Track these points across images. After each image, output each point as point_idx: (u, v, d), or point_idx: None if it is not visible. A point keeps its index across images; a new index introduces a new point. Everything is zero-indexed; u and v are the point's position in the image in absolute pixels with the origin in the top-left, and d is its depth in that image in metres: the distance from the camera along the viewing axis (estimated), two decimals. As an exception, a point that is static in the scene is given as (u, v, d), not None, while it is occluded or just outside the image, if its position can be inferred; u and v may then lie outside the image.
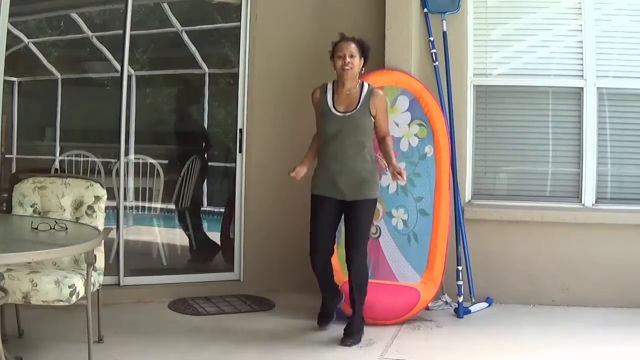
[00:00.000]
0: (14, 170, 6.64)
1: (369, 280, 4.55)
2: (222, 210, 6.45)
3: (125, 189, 5.68)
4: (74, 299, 3.76)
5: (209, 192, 7.40)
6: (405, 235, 5.10)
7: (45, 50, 7.53)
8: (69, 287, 3.73)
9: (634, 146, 5.46)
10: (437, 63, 5.34)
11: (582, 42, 5.41)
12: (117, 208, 5.50)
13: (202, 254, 6.54)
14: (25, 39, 7.20)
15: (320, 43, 5.26)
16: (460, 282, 5.16)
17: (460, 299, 5.09)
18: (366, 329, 4.53)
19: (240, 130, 5.65)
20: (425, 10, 5.36)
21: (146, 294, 5.32)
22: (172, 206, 6.63)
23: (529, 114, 5.53)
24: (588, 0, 5.37)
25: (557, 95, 5.52)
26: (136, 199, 6.27)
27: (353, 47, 4.41)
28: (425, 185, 5.06)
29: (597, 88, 5.41)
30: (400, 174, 4.32)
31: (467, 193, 5.50)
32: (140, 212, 6.34)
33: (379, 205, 4.85)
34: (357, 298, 4.45)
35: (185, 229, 6.60)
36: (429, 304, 5.05)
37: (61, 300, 3.72)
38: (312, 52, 5.39)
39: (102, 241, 4.02)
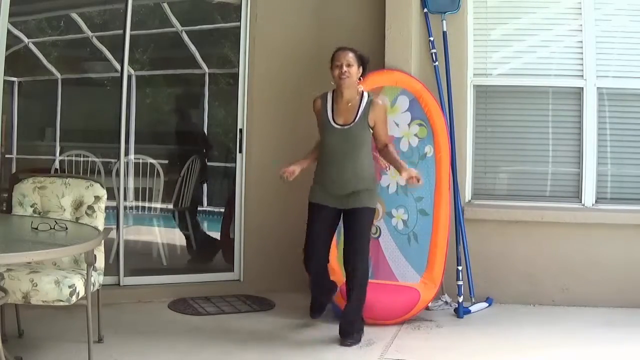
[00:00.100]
0: (14, 170, 6.63)
1: (369, 280, 4.54)
2: (222, 210, 6.45)
3: (125, 189, 5.68)
4: (74, 299, 3.76)
5: (209, 192, 7.40)
6: (405, 235, 5.10)
7: (45, 50, 7.53)
8: (69, 287, 3.73)
9: (634, 146, 5.46)
10: (437, 63, 5.34)
11: (582, 42, 5.41)
12: (117, 208, 5.49)
13: (203, 253, 6.54)
14: (25, 39, 7.20)
15: (320, 43, 5.27)
16: (460, 282, 5.16)
17: (460, 299, 5.09)
18: (366, 329, 4.52)
19: (240, 130, 5.65)
20: (425, 10, 5.36)
21: (146, 294, 5.32)
22: (171, 206, 6.63)
23: (529, 114, 5.53)
24: (588, 0, 5.38)
25: (557, 95, 5.51)
26: (136, 199, 6.27)
27: (350, 57, 4.41)
28: (425, 185, 5.04)
29: (597, 88, 5.41)
30: (416, 178, 4.37)
31: (467, 193, 5.50)
32: (140, 212, 6.35)
33: (379, 206, 4.85)
34: (357, 298, 4.44)
35: (185, 229, 6.60)
36: (429, 304, 5.05)
37: (61, 300, 3.72)
38: (312, 52, 5.40)
39: (102, 241, 4.02)
